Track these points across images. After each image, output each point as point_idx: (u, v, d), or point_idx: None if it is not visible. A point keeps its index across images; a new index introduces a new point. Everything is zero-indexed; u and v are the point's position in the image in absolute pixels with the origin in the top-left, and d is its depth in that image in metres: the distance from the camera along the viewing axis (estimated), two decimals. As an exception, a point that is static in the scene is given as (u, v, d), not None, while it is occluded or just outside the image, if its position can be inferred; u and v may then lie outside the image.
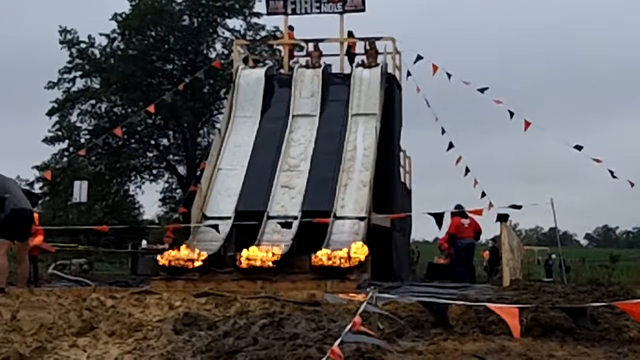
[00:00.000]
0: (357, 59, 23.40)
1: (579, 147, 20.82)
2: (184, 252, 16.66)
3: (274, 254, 16.09)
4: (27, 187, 17.18)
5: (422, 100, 23.63)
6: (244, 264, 15.89)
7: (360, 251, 15.97)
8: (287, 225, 17.60)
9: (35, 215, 19.13)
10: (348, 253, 15.79)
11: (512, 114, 21.73)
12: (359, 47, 23.83)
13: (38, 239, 18.24)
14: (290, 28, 24.30)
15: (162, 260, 16.36)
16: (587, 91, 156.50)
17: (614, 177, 20.53)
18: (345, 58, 23.72)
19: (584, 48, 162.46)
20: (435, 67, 22.72)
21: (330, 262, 15.54)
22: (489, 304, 8.96)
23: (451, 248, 20.14)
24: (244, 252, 16.15)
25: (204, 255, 16.54)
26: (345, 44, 23.69)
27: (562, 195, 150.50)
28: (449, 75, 22.65)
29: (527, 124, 21.48)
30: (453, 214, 19.17)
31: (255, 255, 16.13)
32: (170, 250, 17.00)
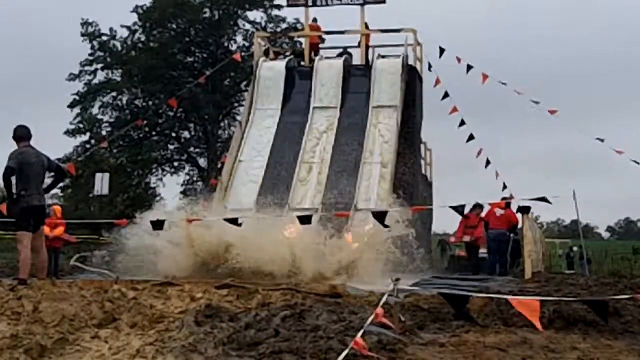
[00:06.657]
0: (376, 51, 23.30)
1: (601, 139, 20.67)
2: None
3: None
4: (60, 164, 17.18)
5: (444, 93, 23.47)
6: None
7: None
8: (306, 219, 17.50)
9: (58, 208, 19.32)
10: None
11: (536, 103, 21.61)
12: (378, 39, 23.74)
13: (59, 230, 18.36)
14: (314, 21, 24.22)
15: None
16: (613, 83, 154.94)
17: (638, 164, 20.29)
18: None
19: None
20: (459, 59, 22.56)
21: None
22: (509, 297, 8.88)
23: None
24: None
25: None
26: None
27: (584, 187, 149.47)
28: (470, 67, 22.44)
29: (553, 111, 21.33)
30: (473, 208, 19.13)
31: None
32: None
